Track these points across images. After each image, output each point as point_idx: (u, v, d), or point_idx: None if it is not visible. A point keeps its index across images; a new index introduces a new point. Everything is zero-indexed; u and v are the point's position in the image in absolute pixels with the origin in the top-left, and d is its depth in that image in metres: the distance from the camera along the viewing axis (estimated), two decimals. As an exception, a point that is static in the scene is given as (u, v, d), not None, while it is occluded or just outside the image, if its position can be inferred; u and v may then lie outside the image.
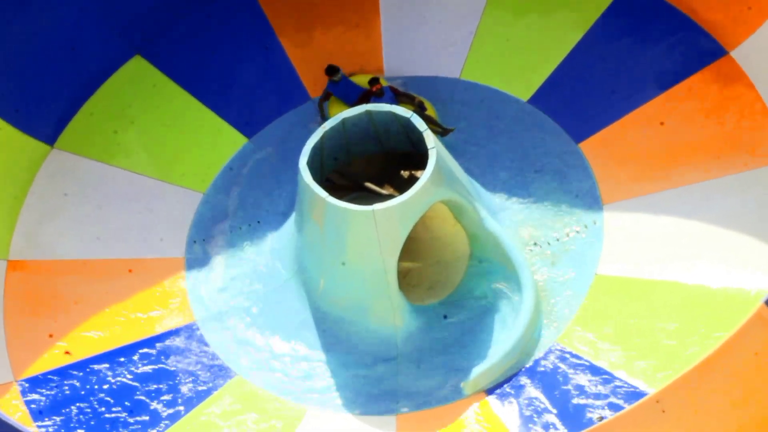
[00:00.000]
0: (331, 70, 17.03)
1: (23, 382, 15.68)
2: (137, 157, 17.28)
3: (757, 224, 15.58)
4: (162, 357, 15.89)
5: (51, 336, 16.02)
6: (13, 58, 16.85)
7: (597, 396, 14.78)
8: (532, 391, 15.02)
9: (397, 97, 16.95)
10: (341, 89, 17.10)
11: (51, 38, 17.09)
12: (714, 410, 13.29)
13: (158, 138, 17.40)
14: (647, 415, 13.09)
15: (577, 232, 16.12)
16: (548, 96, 17.10)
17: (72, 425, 15.38)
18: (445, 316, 15.79)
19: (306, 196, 15.53)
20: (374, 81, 16.92)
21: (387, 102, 16.64)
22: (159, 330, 16.11)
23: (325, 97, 17.19)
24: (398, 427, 15.15)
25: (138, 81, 17.58)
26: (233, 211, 16.96)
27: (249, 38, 17.88)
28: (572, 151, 16.69)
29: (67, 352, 15.96)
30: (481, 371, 15.12)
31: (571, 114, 16.93)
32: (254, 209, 16.95)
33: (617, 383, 14.80)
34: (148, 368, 15.79)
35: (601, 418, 14.57)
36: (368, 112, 16.07)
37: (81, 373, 15.76)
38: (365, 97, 16.96)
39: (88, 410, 15.50)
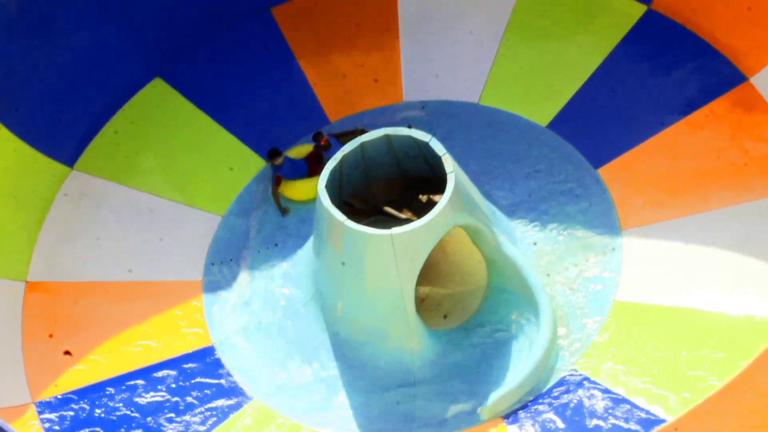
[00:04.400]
0: (273, 154, 16.74)
1: (40, 404, 15.69)
2: (156, 179, 17.32)
3: (776, 251, 15.57)
4: (179, 380, 15.88)
5: (68, 355, 16.02)
6: (35, 81, 16.93)
7: (615, 422, 14.72)
8: (549, 416, 14.97)
9: (340, 139, 16.95)
10: (287, 169, 16.87)
11: (72, 61, 17.17)
12: (733, 438, 13.24)
13: (178, 160, 17.44)
14: (665, 443, 13.06)
15: (596, 257, 16.08)
16: (567, 121, 17.10)
17: (89, 447, 15.44)
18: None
19: (324, 220, 15.54)
20: (319, 135, 16.80)
21: (336, 150, 16.63)
22: (176, 353, 16.11)
23: (276, 183, 16.87)
24: (415, 452, 15.16)
25: (158, 103, 17.64)
26: (251, 234, 16.97)
27: (269, 61, 17.93)
28: (591, 177, 16.68)
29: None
30: (498, 396, 15.08)
31: (589, 139, 16.93)
32: (272, 232, 16.96)
33: (635, 410, 14.74)
34: (165, 391, 15.78)
35: (619, 445, 14.55)
36: (387, 137, 16.08)
37: (98, 395, 15.76)
38: (315, 156, 16.84)
39: (105, 432, 15.54)
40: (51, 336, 16.12)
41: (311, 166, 16.96)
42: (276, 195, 16.92)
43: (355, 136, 16.88)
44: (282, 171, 16.86)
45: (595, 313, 15.63)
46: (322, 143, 16.83)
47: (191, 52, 17.89)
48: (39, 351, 16.08)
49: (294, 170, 16.91)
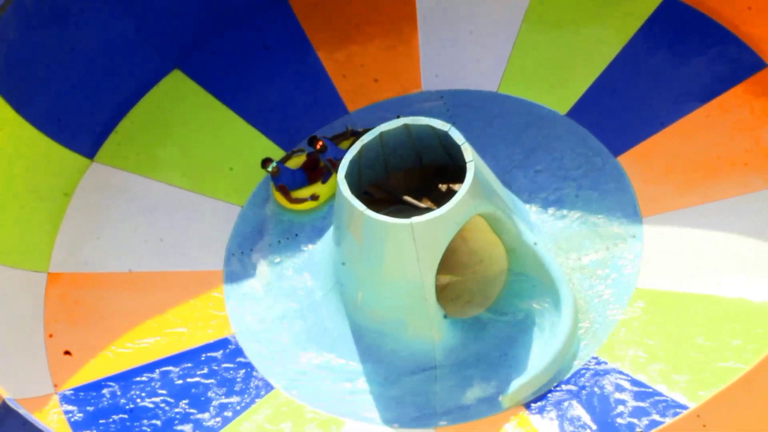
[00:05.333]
0: (265, 163, 16.64)
1: (63, 394, 15.75)
2: (176, 170, 17.35)
3: (798, 238, 15.53)
4: (200, 370, 15.92)
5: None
6: (54, 73, 16.98)
7: (637, 410, 14.70)
8: (571, 404, 14.96)
9: (334, 140, 16.94)
10: (288, 178, 16.78)
11: (91, 53, 17.21)
12: (756, 425, 13.18)
13: (196, 151, 17.47)
14: (688, 430, 13.02)
15: (616, 245, 16.05)
16: (586, 109, 17.06)
17: (111, 437, 15.49)
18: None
19: (344, 209, 15.55)
20: (314, 139, 16.74)
21: (332, 152, 16.60)
22: (197, 343, 16.15)
23: (285, 192, 16.76)
24: (436, 441, 15.17)
25: (177, 95, 17.67)
26: (271, 225, 16.99)
27: (287, 52, 17.93)
28: (611, 165, 16.65)
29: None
30: (519, 385, 15.07)
31: (609, 127, 16.89)
32: (292, 223, 16.97)
33: (657, 397, 14.72)
34: (185, 381, 15.82)
35: (641, 433, 14.54)
36: (406, 126, 16.08)
37: (120, 386, 15.80)
38: (311, 163, 16.83)
39: (127, 423, 15.53)
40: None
41: (309, 174, 16.93)
42: (294, 200, 16.80)
43: (346, 138, 16.94)
44: (283, 181, 16.78)
45: (616, 300, 15.60)
46: (318, 147, 16.77)
47: (209, 43, 17.91)
48: (61, 342, 16.13)
49: (294, 180, 16.86)
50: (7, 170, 16.52)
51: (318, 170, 16.91)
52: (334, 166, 16.56)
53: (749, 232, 15.71)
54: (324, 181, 16.85)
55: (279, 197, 16.92)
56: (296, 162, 17.10)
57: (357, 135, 16.87)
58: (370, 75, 17.74)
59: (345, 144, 16.93)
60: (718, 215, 15.93)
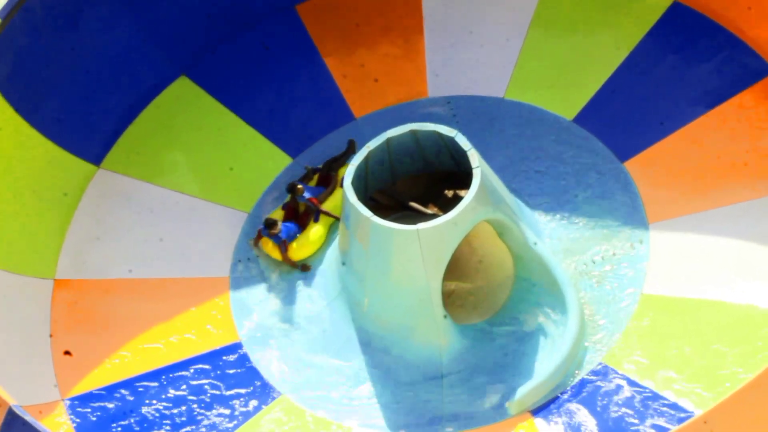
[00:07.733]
0: (271, 224, 16.38)
1: (70, 401, 15.77)
2: (182, 176, 17.37)
3: (806, 243, 15.50)
4: (206, 376, 15.92)
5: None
6: (61, 79, 17.02)
7: (643, 416, 14.68)
8: (577, 410, 14.94)
9: (307, 182, 16.90)
10: (285, 234, 16.53)
11: (98, 59, 17.25)
12: (763, 431, 13.17)
13: (203, 158, 17.49)
14: (695, 436, 13.03)
15: (623, 251, 16.04)
16: (593, 115, 17.06)
17: (118, 444, 15.51)
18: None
19: (350, 216, 15.56)
20: (292, 188, 16.57)
21: (308, 191, 16.52)
22: (204, 349, 16.16)
23: (286, 249, 16.47)
24: (443, 447, 15.16)
25: (184, 101, 17.69)
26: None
27: (294, 59, 17.95)
28: (617, 170, 16.64)
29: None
30: (526, 391, 15.07)
31: (616, 133, 16.88)
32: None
33: (664, 403, 14.70)
34: (193, 387, 15.83)
35: (648, 439, 14.53)
36: (413, 132, 16.09)
37: (126, 392, 15.82)
38: (292, 212, 16.65)
39: (134, 428, 15.55)
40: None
41: (298, 215, 16.77)
42: (289, 260, 16.56)
43: (309, 178, 16.84)
44: (283, 236, 16.54)
45: (623, 306, 15.59)
46: (298, 193, 16.62)
47: (216, 50, 17.93)
48: (67, 348, 16.15)
49: (289, 234, 16.67)
50: (13, 177, 16.57)
51: (303, 214, 16.74)
52: (316, 203, 16.54)
53: (756, 238, 15.70)
54: (316, 220, 16.71)
55: (269, 249, 16.69)
56: (278, 216, 16.89)
57: (317, 171, 16.79)
58: (372, 76, 17.75)
59: (312, 183, 16.88)
60: (725, 221, 15.92)
